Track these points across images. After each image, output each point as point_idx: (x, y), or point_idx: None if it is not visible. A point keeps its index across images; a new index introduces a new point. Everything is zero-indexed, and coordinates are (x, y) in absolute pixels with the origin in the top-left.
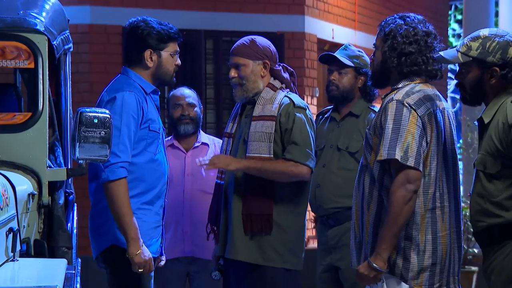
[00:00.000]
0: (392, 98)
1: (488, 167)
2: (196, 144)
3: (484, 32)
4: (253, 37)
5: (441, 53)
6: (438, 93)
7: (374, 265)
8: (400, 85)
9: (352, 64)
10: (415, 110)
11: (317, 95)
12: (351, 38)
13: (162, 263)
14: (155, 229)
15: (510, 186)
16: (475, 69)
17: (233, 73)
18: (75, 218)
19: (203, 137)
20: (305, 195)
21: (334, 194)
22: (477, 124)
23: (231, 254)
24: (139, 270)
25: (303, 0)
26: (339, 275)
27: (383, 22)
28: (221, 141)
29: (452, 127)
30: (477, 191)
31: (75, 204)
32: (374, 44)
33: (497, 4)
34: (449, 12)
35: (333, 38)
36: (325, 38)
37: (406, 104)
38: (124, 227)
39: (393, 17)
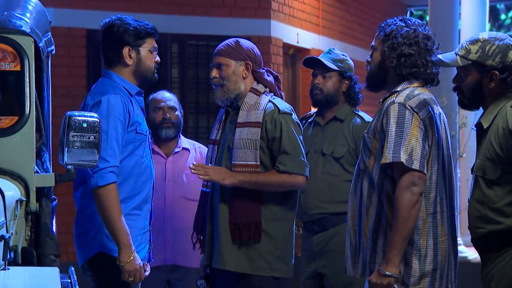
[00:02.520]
0: (394, 101)
1: (488, 172)
2: (177, 150)
3: (484, 35)
4: (237, 38)
5: (440, 56)
6: (434, 98)
7: (387, 272)
8: (399, 88)
9: (336, 68)
10: (417, 113)
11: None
12: (315, 43)
13: (147, 273)
14: (143, 234)
15: (510, 192)
16: (474, 72)
17: (214, 73)
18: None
19: (184, 142)
20: (293, 201)
21: (319, 200)
22: (475, 129)
23: (219, 264)
24: (130, 279)
25: (269, 4)
26: (324, 282)
27: (383, 24)
28: (201, 145)
29: (447, 132)
30: (476, 197)
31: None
32: (372, 46)
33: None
34: None
35: (298, 42)
36: (290, 42)
37: (408, 107)
38: (115, 234)
39: (393, 19)
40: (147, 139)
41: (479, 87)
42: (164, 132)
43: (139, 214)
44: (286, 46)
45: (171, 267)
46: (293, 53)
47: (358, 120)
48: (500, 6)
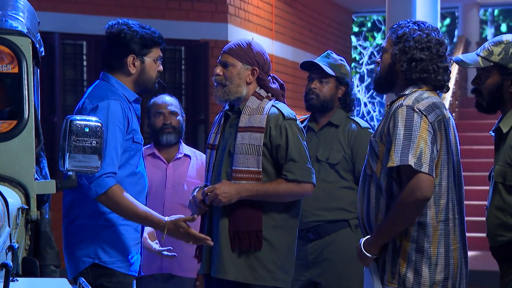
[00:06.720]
0: (402, 104)
1: (509, 178)
2: (178, 156)
3: (507, 37)
4: (250, 41)
5: (460, 56)
6: (443, 102)
7: (369, 254)
8: (407, 92)
9: (334, 74)
10: (425, 116)
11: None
12: (269, 48)
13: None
14: (135, 246)
15: None
16: (495, 74)
17: (218, 70)
18: None
19: (185, 148)
20: (295, 209)
21: (314, 207)
22: (493, 134)
23: (219, 273)
24: (190, 242)
25: (226, 8)
26: None
27: (395, 25)
28: (202, 153)
29: (456, 137)
30: (496, 204)
31: None
32: (382, 47)
33: None
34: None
35: None
36: None
37: (417, 110)
38: (144, 221)
39: (406, 21)
40: (141, 149)
41: (499, 90)
42: (165, 137)
43: (131, 225)
44: None
45: (166, 276)
46: None
47: (354, 125)
48: None
